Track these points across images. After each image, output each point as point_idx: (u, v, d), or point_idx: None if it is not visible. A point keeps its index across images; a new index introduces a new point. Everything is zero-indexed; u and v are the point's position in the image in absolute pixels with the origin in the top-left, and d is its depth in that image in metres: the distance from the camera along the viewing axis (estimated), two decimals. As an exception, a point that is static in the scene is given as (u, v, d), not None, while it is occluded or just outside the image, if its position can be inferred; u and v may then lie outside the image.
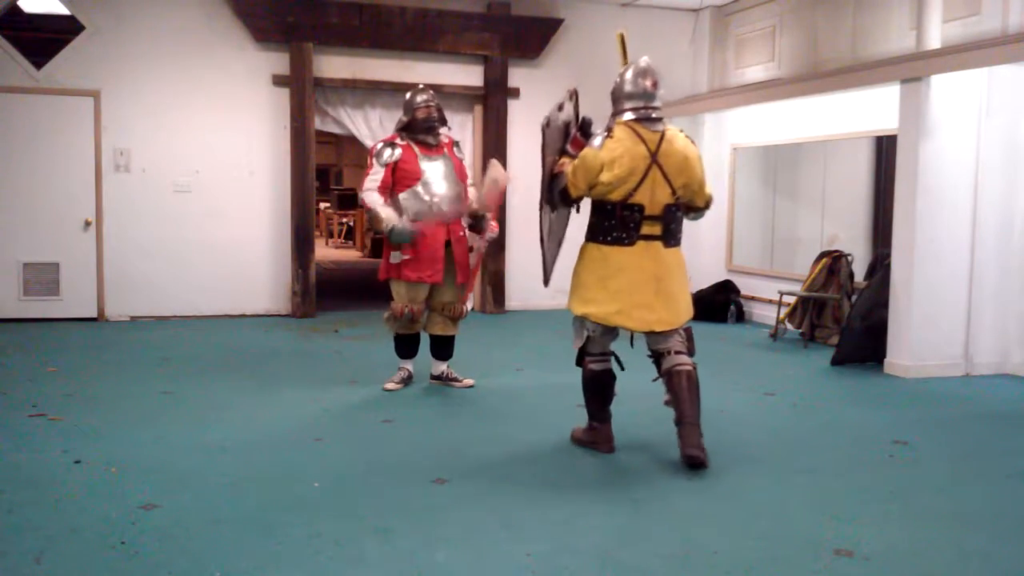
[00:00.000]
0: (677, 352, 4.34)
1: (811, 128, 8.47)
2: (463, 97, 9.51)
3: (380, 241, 5.72)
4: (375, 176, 5.56)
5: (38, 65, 8.33)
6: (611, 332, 4.46)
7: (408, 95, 5.75)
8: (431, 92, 5.77)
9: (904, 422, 5.29)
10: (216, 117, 8.79)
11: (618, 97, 4.42)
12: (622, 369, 4.56)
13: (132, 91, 8.55)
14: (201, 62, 8.71)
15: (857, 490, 4.02)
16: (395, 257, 5.60)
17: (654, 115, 4.33)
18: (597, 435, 4.53)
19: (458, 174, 5.73)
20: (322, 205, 19.27)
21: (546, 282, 4.68)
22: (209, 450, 4.46)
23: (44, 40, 8.52)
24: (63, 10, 8.40)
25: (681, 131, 4.45)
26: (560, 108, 4.54)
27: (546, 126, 4.51)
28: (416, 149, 5.63)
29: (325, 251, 17.69)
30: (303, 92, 8.80)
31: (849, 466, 4.38)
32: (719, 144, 9.67)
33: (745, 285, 9.48)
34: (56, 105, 8.39)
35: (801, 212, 8.92)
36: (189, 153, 8.74)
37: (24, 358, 6.72)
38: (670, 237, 4.36)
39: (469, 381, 5.99)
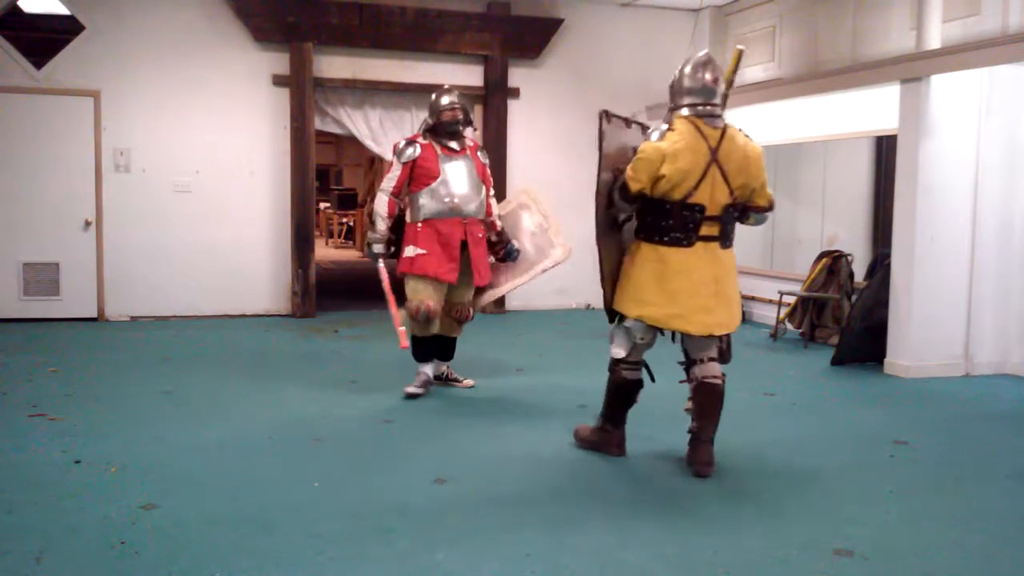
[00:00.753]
0: (711, 360, 4.22)
1: (811, 128, 8.47)
2: (463, 97, 9.47)
3: (394, 243, 5.70)
4: (392, 176, 5.56)
5: (38, 65, 8.34)
6: (654, 339, 4.30)
7: (433, 96, 5.68)
8: (457, 93, 5.70)
9: (904, 422, 5.29)
10: (216, 117, 8.79)
11: (677, 91, 4.19)
12: (652, 380, 4.42)
13: (132, 91, 8.55)
14: (201, 62, 8.71)
15: (857, 490, 4.02)
16: (410, 251, 5.55)
17: (715, 112, 4.14)
18: (609, 437, 4.44)
19: (480, 177, 5.71)
20: (322, 205, 19.26)
21: (610, 317, 4.35)
22: (209, 450, 4.46)
23: (44, 40, 8.52)
24: (63, 10, 8.40)
25: (741, 129, 4.26)
26: (628, 124, 4.44)
27: (606, 125, 4.22)
28: (437, 149, 5.59)
29: (325, 251, 17.69)
30: (303, 92, 8.80)
31: (849, 466, 4.38)
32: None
33: (745, 285, 9.43)
34: (56, 105, 8.39)
35: (801, 212, 8.92)
36: (189, 153, 8.74)
37: (24, 358, 6.71)
38: (726, 238, 4.21)
39: (469, 382, 5.98)
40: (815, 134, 8.43)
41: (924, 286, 6.54)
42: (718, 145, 4.07)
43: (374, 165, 18.73)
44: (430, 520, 3.55)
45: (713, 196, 4.07)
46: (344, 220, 19.74)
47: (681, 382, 4.42)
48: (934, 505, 3.87)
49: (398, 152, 5.58)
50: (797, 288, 8.13)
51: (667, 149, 4.00)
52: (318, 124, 9.15)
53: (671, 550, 3.30)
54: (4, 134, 8.28)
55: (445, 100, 5.62)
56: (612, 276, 4.27)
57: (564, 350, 7.53)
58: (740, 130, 4.23)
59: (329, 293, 10.38)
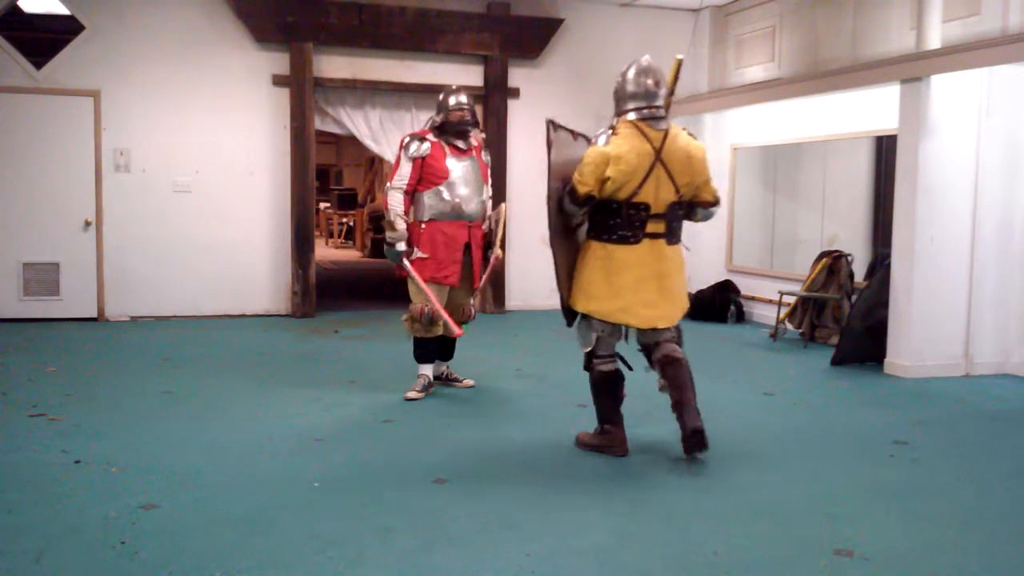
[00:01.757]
0: (666, 341, 4.42)
1: (811, 128, 8.47)
2: (471, 98, 9.49)
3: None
4: (403, 173, 5.49)
5: (38, 65, 8.34)
6: (617, 331, 4.47)
7: (442, 96, 5.65)
8: (466, 94, 5.68)
9: (904, 422, 5.29)
10: (216, 117, 8.79)
11: (621, 97, 4.41)
12: (630, 369, 4.57)
13: (132, 91, 8.55)
14: (201, 62, 8.71)
15: (857, 490, 4.02)
16: (413, 254, 5.54)
17: (657, 114, 4.33)
18: (610, 439, 4.48)
19: (483, 177, 5.70)
20: (322, 205, 19.26)
21: (567, 318, 4.52)
22: (209, 450, 4.46)
23: (44, 40, 8.52)
24: (63, 10, 8.40)
25: (684, 129, 4.48)
26: (575, 137, 4.56)
27: (553, 133, 4.44)
28: (445, 148, 5.55)
29: (325, 251, 17.69)
30: (303, 92, 8.80)
31: (849, 466, 4.38)
32: (719, 144, 9.66)
33: (745, 285, 9.48)
34: (56, 105, 8.39)
35: (801, 212, 8.92)
36: (189, 153, 8.75)
37: (24, 358, 6.71)
38: (672, 235, 4.39)
39: (469, 382, 5.98)
40: (815, 134, 8.43)
41: (924, 286, 6.54)
42: (661, 146, 4.28)
43: (374, 165, 18.75)
44: (430, 520, 3.55)
45: (658, 195, 4.27)
46: (344, 220, 19.74)
47: (647, 370, 4.55)
48: (934, 505, 3.87)
49: (404, 146, 5.51)
50: (797, 288, 8.13)
51: (611, 152, 4.20)
52: (318, 124, 9.15)
53: (671, 550, 3.30)
54: (4, 134, 8.28)
55: (454, 100, 5.58)
56: (567, 277, 4.43)
57: (564, 350, 7.51)
58: (684, 130, 4.46)
59: (329, 293, 10.38)
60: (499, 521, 3.55)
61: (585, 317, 4.45)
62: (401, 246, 5.53)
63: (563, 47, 9.76)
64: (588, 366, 4.53)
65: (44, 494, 3.76)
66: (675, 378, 4.32)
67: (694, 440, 4.25)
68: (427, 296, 5.47)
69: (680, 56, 4.52)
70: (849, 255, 7.85)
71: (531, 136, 9.64)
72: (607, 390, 4.50)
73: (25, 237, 8.37)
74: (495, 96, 9.45)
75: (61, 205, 8.44)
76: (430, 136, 5.56)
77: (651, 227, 4.30)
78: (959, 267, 6.62)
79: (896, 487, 4.08)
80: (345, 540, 3.33)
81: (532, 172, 9.22)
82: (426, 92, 9.12)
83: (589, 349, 4.48)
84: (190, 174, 8.77)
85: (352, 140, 10.15)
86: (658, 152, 4.26)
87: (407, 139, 5.56)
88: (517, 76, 9.60)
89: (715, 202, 4.51)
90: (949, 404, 5.82)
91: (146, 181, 8.65)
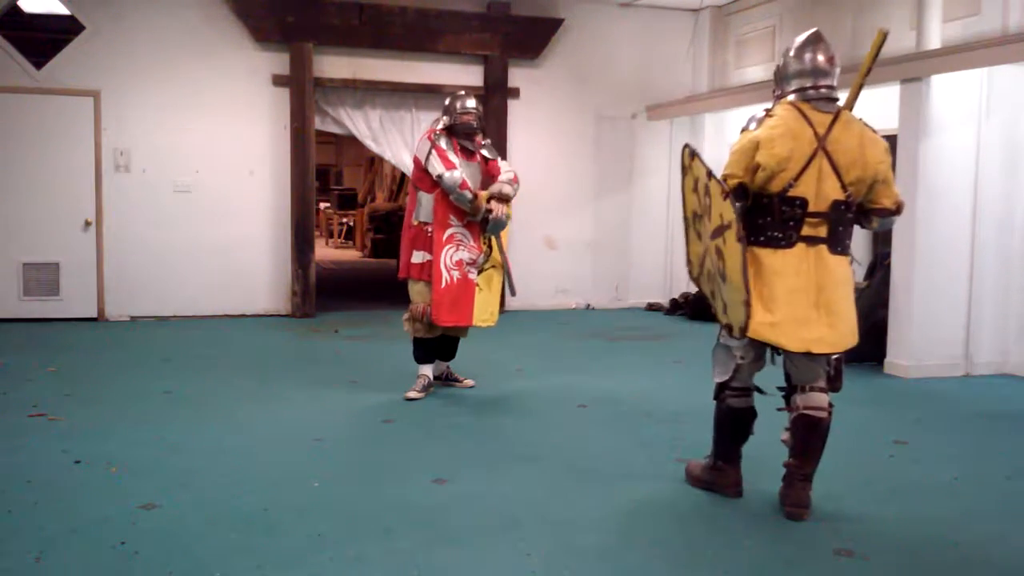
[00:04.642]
0: (815, 389, 3.69)
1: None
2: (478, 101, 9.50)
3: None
4: (449, 159, 5.36)
5: (38, 65, 8.33)
6: (761, 358, 3.77)
7: (448, 99, 5.62)
8: (474, 98, 5.66)
9: (904, 422, 5.29)
10: (216, 117, 8.79)
11: (783, 76, 3.77)
12: (761, 393, 3.88)
13: (132, 91, 8.55)
14: (201, 62, 8.70)
15: (857, 490, 4.02)
16: (417, 257, 5.52)
17: (827, 95, 3.68)
18: (723, 477, 3.88)
19: (485, 178, 5.66)
20: (322, 205, 19.27)
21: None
22: (209, 450, 4.46)
23: (44, 40, 8.52)
24: (63, 10, 8.40)
25: (861, 118, 3.77)
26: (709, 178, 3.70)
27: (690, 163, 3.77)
28: (457, 148, 5.52)
29: (325, 251, 17.68)
30: (303, 92, 8.80)
31: (849, 466, 4.38)
32: (719, 144, 9.64)
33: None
34: (56, 105, 8.38)
35: (801, 212, 8.91)
36: (189, 153, 8.74)
37: (24, 358, 6.71)
38: (837, 242, 3.63)
39: (470, 382, 5.98)
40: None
41: (924, 286, 6.53)
42: (828, 131, 3.59)
43: (374, 165, 18.75)
44: (430, 520, 3.55)
45: (819, 190, 3.56)
46: (344, 220, 19.75)
47: (779, 409, 3.83)
48: (934, 505, 3.87)
49: (434, 141, 5.41)
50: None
51: (761, 136, 3.59)
52: (318, 124, 9.15)
53: (671, 550, 3.30)
54: (4, 134, 8.28)
55: (461, 104, 5.56)
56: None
57: (564, 350, 7.53)
58: (860, 118, 3.75)
59: (329, 293, 10.38)
60: (499, 521, 3.55)
61: (723, 341, 3.80)
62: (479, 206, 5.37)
63: (563, 47, 9.76)
64: (718, 396, 3.88)
65: (44, 494, 3.76)
66: (804, 442, 3.61)
67: (789, 516, 3.64)
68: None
69: (885, 29, 3.77)
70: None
71: (531, 136, 9.65)
72: (733, 427, 3.84)
73: (25, 237, 8.37)
74: (495, 96, 9.44)
75: (61, 205, 8.43)
76: (445, 136, 5.53)
77: (809, 229, 3.56)
78: (959, 267, 6.61)
79: (896, 487, 4.08)
80: (345, 540, 3.33)
81: (532, 172, 9.21)
82: (426, 92, 9.12)
83: (725, 380, 3.80)
84: (190, 174, 8.76)
85: (352, 140, 10.15)
86: (822, 139, 3.57)
87: (430, 137, 5.48)
88: (517, 76, 9.60)
89: (896, 210, 3.74)
90: (949, 404, 5.81)
91: (146, 181, 8.65)
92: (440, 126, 5.59)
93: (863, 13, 7.96)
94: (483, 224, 5.46)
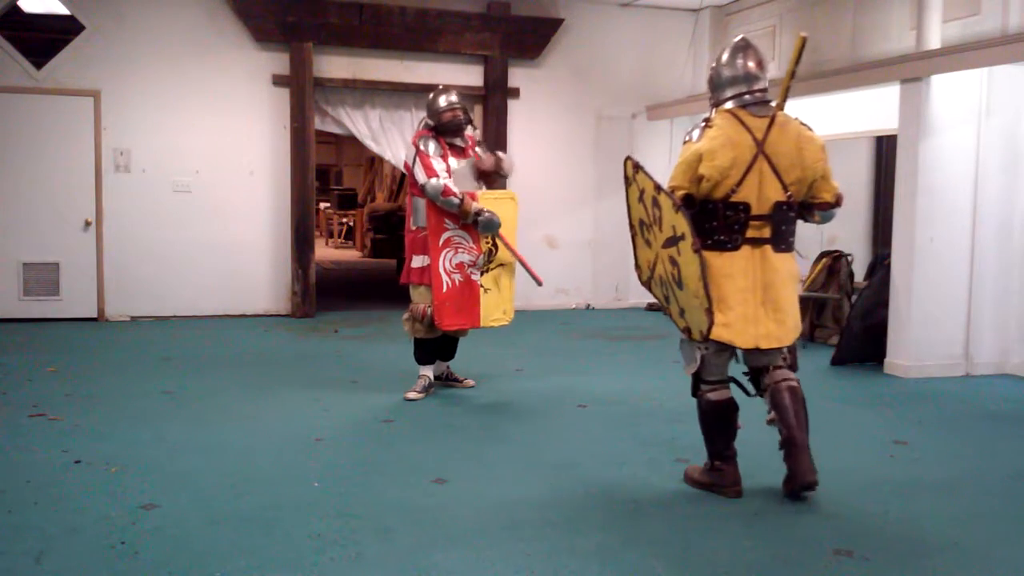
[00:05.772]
0: (778, 367, 3.86)
1: (811, 128, 8.45)
2: (463, 97, 9.42)
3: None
4: (439, 167, 5.27)
5: (38, 65, 8.33)
6: (727, 350, 3.86)
7: (431, 96, 5.56)
8: (455, 92, 5.57)
9: (904, 422, 5.29)
10: (216, 117, 8.79)
11: (717, 85, 3.87)
12: (747, 395, 4.03)
13: (132, 91, 8.55)
14: (201, 62, 8.70)
15: (857, 490, 4.02)
16: (418, 261, 5.50)
17: (762, 98, 3.79)
18: (721, 477, 3.91)
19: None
20: (322, 205, 19.26)
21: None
22: (209, 450, 4.46)
23: (44, 40, 8.51)
24: (63, 10, 8.40)
25: (796, 117, 3.88)
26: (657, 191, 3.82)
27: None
28: (447, 148, 5.47)
29: (325, 251, 17.68)
30: (303, 92, 8.80)
31: (849, 466, 4.38)
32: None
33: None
34: (56, 105, 8.38)
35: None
36: (189, 153, 8.74)
37: (24, 358, 6.71)
38: (781, 241, 3.79)
39: (470, 382, 5.98)
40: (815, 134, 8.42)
41: (924, 286, 6.53)
42: (765, 135, 3.71)
43: (374, 165, 18.75)
44: (430, 520, 3.55)
45: (761, 193, 3.71)
46: (344, 220, 19.74)
47: (751, 395, 4.01)
48: (934, 505, 3.87)
49: (422, 146, 5.34)
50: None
51: (703, 148, 3.71)
52: (318, 124, 9.15)
53: (671, 550, 3.30)
54: (4, 134, 8.28)
55: (444, 101, 5.50)
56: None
57: (564, 350, 7.53)
58: (795, 118, 3.86)
59: (329, 293, 10.38)
60: (499, 521, 3.55)
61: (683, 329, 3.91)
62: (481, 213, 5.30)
63: (563, 47, 9.76)
64: (696, 392, 3.97)
65: (44, 494, 3.76)
66: (785, 410, 3.75)
67: (804, 490, 3.76)
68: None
69: (804, 34, 3.78)
70: (849, 255, 7.85)
71: (531, 136, 9.65)
72: (717, 422, 3.91)
73: (25, 237, 8.37)
74: (495, 96, 9.45)
75: (61, 205, 8.43)
76: (433, 137, 5.47)
77: (753, 231, 3.72)
78: (959, 267, 6.61)
79: (896, 487, 4.08)
80: (345, 540, 3.33)
81: (532, 172, 9.21)
82: (426, 92, 8.97)
83: (694, 370, 3.91)
84: (190, 174, 8.76)
85: (352, 140, 10.15)
86: (760, 143, 3.70)
87: (419, 140, 5.41)
88: (517, 76, 9.60)
89: (836, 203, 3.90)
90: (949, 404, 5.81)
91: (146, 181, 8.64)
92: (423, 127, 5.54)
93: (863, 13, 7.95)
94: (474, 225, 5.42)
